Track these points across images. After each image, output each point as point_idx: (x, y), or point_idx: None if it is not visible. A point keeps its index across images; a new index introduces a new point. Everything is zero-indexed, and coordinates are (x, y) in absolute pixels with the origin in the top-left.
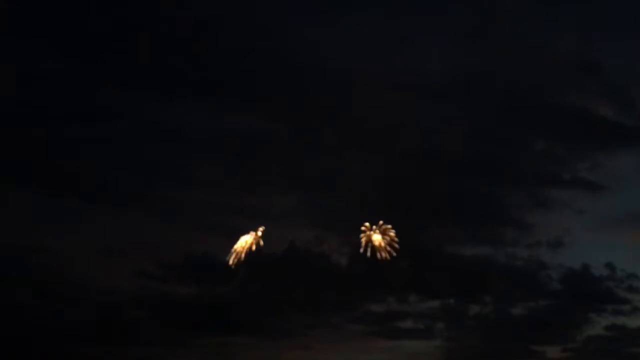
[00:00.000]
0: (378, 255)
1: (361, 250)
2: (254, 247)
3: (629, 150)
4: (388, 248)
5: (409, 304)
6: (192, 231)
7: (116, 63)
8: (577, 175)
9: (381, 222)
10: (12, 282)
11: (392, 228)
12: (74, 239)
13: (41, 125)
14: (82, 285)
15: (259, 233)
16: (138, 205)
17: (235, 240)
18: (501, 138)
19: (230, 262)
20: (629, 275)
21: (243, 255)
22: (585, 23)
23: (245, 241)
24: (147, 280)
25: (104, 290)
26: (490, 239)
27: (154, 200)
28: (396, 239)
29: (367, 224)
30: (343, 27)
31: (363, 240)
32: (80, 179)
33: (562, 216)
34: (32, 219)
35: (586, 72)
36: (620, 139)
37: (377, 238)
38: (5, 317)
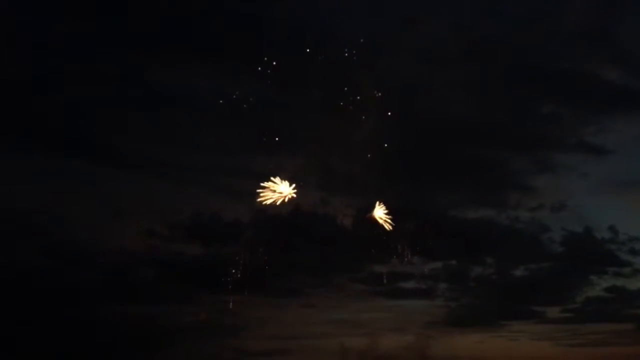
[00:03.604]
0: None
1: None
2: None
3: (635, 114)
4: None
5: (412, 265)
6: (199, 192)
7: (119, 26)
8: (582, 139)
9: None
10: (15, 244)
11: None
12: (79, 201)
13: (42, 89)
14: (90, 246)
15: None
16: (144, 166)
17: (240, 200)
18: (507, 102)
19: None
20: (631, 238)
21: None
22: None
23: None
24: (155, 240)
25: (112, 251)
26: (493, 202)
27: (160, 162)
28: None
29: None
30: None
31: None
32: (83, 142)
33: (566, 180)
34: (35, 182)
35: (595, 35)
36: (626, 103)
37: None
38: (10, 279)
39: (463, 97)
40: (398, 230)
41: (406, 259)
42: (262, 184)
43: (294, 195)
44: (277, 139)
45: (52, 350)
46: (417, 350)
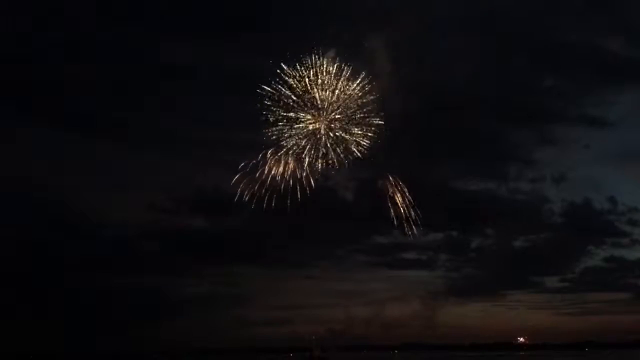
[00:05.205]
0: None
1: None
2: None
3: (636, 85)
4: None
5: (412, 237)
6: (202, 165)
7: (120, 2)
8: (583, 110)
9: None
10: (18, 217)
11: (399, 165)
12: (81, 176)
13: (42, 63)
14: (93, 219)
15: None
16: (147, 140)
17: (243, 173)
18: (508, 74)
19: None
20: (630, 209)
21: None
22: None
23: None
24: (158, 213)
25: (116, 223)
26: (493, 174)
27: (163, 135)
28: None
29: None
30: None
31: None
32: (88, 116)
33: (567, 151)
34: (36, 157)
35: (596, 6)
36: (628, 75)
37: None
38: (18, 251)
39: (464, 70)
40: (401, 202)
41: (407, 230)
42: (264, 157)
43: (297, 168)
44: (280, 113)
45: (56, 319)
46: (418, 319)
